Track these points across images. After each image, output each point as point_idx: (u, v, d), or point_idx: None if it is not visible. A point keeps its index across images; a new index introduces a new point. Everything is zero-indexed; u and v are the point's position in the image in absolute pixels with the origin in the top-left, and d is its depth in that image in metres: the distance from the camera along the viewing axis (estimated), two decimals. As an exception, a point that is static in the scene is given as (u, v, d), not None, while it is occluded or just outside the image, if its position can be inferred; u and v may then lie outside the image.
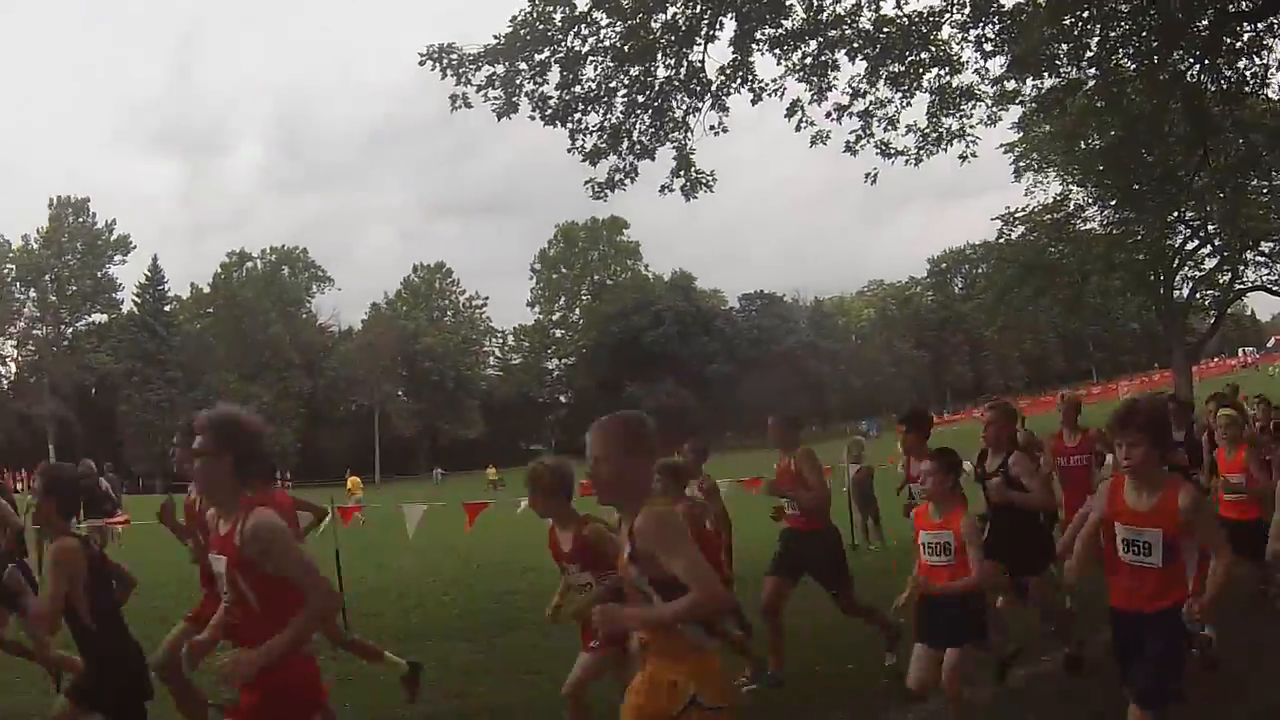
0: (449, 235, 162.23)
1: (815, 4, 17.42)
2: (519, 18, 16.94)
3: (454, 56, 17.15)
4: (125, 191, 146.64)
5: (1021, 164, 46.81)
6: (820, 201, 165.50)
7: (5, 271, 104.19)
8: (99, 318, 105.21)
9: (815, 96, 18.36)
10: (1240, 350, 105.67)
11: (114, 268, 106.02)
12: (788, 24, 17.60)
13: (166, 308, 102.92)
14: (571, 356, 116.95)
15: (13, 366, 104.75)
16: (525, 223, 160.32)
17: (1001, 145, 45.33)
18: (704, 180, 19.02)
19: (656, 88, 18.02)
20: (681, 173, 18.93)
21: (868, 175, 19.67)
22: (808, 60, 18.03)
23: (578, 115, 18.12)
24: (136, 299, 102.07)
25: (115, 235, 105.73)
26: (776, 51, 17.84)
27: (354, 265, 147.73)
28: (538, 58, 17.31)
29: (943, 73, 18.31)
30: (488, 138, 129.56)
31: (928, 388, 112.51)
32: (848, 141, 18.93)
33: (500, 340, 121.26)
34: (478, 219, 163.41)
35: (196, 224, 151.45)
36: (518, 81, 17.42)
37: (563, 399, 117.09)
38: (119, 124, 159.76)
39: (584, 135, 18.39)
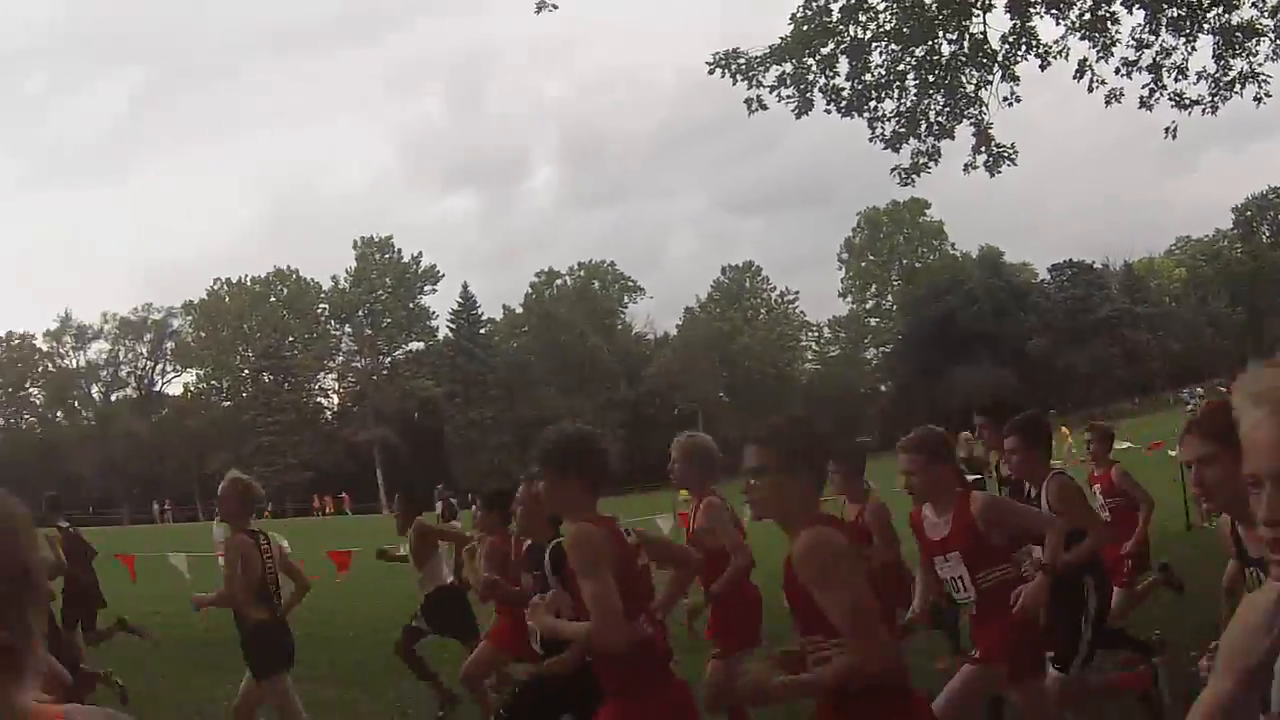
0: (751, 232, 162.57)
1: None
2: (798, 14, 17.17)
3: (741, 61, 17.44)
4: (427, 226, 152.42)
5: None
6: (1115, 159, 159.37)
7: (319, 310, 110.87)
8: (416, 346, 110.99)
9: (1100, 53, 18.01)
10: None
11: (425, 298, 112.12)
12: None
13: (482, 330, 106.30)
14: (889, 345, 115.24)
15: (335, 398, 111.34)
16: (825, 213, 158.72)
17: None
18: (1006, 154, 18.80)
19: (944, 65, 17.93)
20: (982, 149, 18.76)
21: (1167, 130, 19.10)
22: (1085, 16, 17.70)
23: (872, 103, 18.15)
24: (451, 325, 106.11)
25: (423, 267, 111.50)
26: (1053, 12, 17.59)
27: (662, 272, 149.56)
28: (823, 51, 17.47)
29: (1222, 11, 17.60)
30: (776, 132, 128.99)
31: (1249, 349, 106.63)
32: (1141, 97, 18.39)
33: (815, 334, 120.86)
34: (777, 213, 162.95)
35: (501, 248, 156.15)
36: (808, 77, 17.61)
37: (883, 389, 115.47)
38: (413, 162, 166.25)
39: (881, 123, 18.40)
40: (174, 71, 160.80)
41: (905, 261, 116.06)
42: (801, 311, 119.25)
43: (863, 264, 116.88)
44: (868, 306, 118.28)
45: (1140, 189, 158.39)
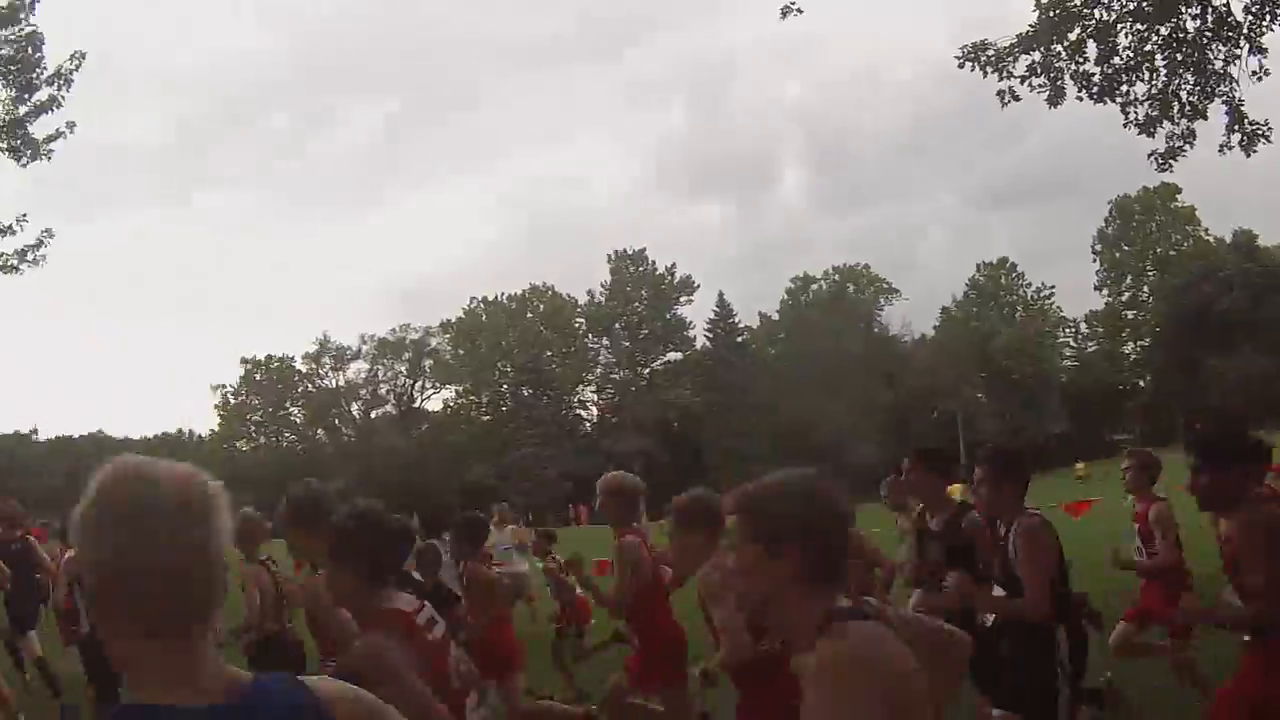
0: (1001, 226, 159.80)
1: None
2: (1044, 1, 17.37)
3: (990, 52, 17.65)
4: (680, 236, 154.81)
5: None
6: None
7: (576, 324, 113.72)
8: (674, 356, 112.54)
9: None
10: None
11: (681, 308, 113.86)
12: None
13: (739, 339, 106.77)
14: (1146, 338, 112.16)
15: (594, 410, 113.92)
16: (1073, 204, 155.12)
17: None
18: (1261, 131, 18.30)
19: (1190, 41, 17.66)
20: (1236, 128, 18.24)
21: None
22: None
23: (1123, 87, 18.08)
24: (708, 334, 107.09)
25: (678, 278, 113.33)
26: (1298, -26, 16.94)
27: (916, 272, 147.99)
28: (1070, 37, 17.51)
29: None
30: (1020, 124, 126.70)
31: None
32: None
33: (1072, 329, 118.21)
34: (1025, 206, 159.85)
35: (754, 256, 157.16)
36: (1058, 64, 17.69)
37: (1141, 383, 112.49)
38: (662, 175, 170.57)
39: (1134, 107, 18.26)
40: (422, 98, 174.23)
41: (1159, 250, 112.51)
42: (1058, 307, 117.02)
43: (1116, 255, 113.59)
44: (1124, 299, 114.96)
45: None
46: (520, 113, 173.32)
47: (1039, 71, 17.88)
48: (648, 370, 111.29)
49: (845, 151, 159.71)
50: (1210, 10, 17.53)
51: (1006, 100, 18.12)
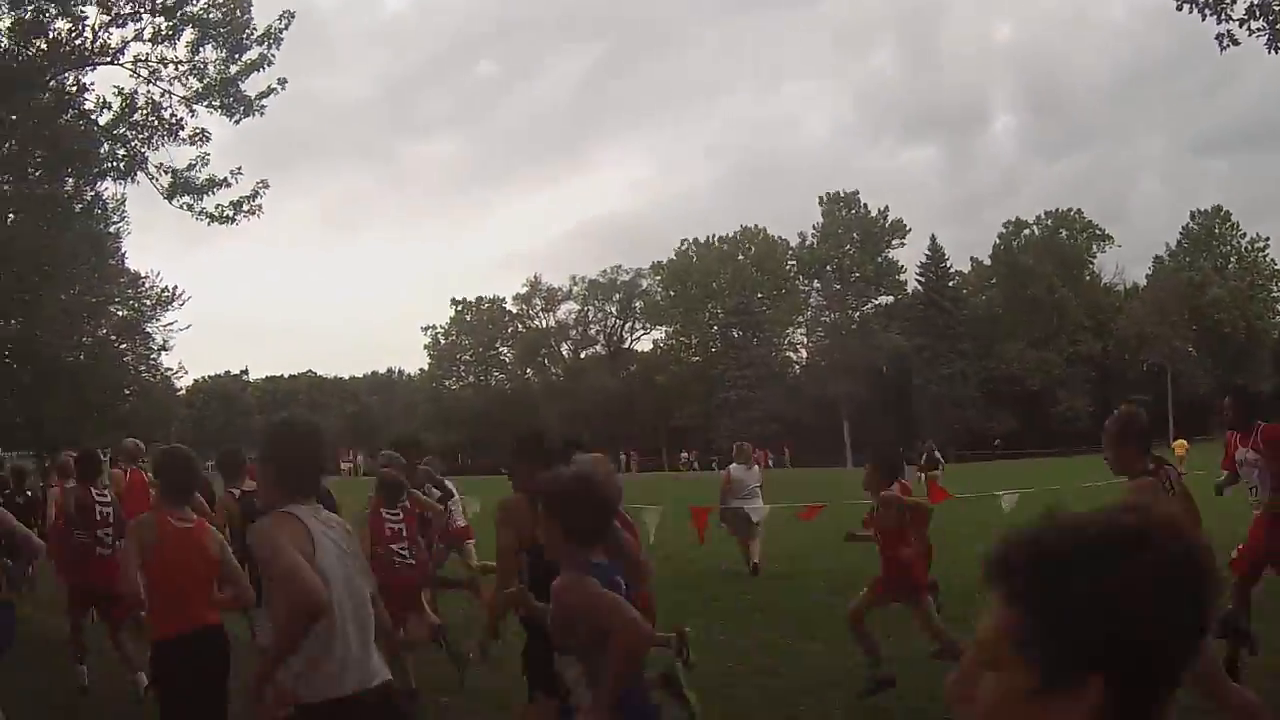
0: (1217, 174, 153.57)
1: None
2: None
3: None
4: (891, 179, 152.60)
5: None
6: None
7: (788, 268, 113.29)
8: (885, 299, 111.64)
9: None
10: None
11: (893, 252, 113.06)
12: None
13: (950, 284, 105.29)
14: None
15: (803, 353, 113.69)
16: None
17: None
18: None
19: None
20: None
21: None
22: None
23: None
24: (920, 278, 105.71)
25: (889, 221, 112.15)
26: None
27: (1129, 219, 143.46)
28: None
29: None
30: (1236, 67, 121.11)
31: None
32: None
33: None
34: (1241, 153, 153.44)
35: (966, 200, 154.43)
36: (1277, 8, 17.14)
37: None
38: (872, 117, 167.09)
39: None
40: (628, 44, 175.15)
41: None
42: (1273, 260, 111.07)
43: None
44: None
45: None
46: (728, 56, 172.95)
47: (1258, 15, 17.25)
48: (858, 314, 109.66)
49: (1056, 95, 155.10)
50: None
51: (1225, 45, 17.76)
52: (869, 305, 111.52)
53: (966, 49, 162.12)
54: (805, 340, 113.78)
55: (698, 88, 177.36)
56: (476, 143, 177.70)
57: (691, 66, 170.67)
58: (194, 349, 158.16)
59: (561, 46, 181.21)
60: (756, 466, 20.03)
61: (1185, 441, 50.79)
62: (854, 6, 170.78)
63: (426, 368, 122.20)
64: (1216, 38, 17.52)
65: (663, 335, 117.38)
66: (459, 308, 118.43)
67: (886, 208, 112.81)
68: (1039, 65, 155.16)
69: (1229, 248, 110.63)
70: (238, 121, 24.12)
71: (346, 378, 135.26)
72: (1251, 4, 17.11)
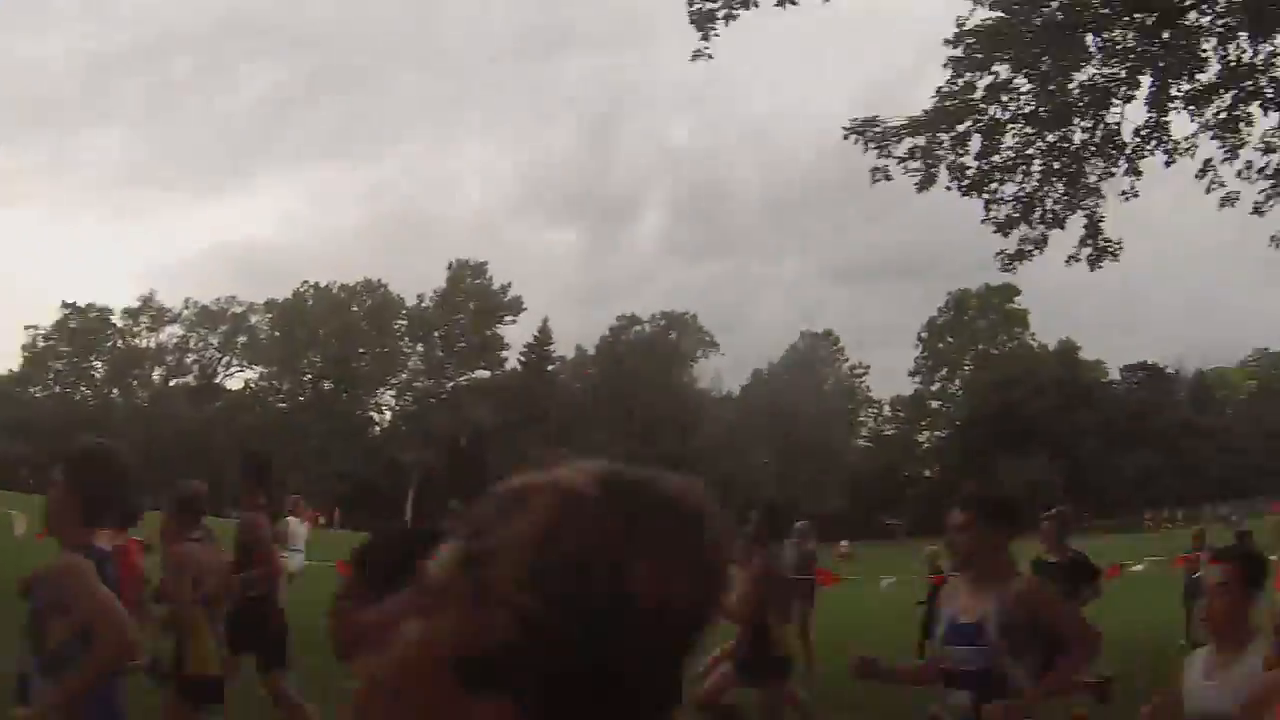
0: (841, 302, 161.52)
1: (1230, 54, 17.18)
2: (944, 89, 17.46)
3: (878, 129, 17.62)
4: (528, 256, 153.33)
5: None
6: (1213, 263, 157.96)
7: (396, 327, 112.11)
8: (483, 374, 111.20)
9: (1227, 154, 18.04)
10: None
11: (504, 328, 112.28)
12: (1202, 78, 17.43)
13: (550, 367, 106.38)
14: (945, 429, 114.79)
15: (388, 415, 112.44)
16: (915, 289, 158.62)
17: None
18: (1110, 249, 18.86)
19: (1072, 153, 18.00)
20: (1089, 241, 18.81)
21: (1274, 238, 18.99)
22: (1220, 115, 17.72)
23: (993, 185, 18.26)
24: (522, 358, 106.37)
25: (509, 297, 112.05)
26: (1190, 108, 17.63)
27: (746, 332, 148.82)
28: (960, 128, 17.63)
29: None
30: (896, 202, 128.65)
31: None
32: (1256, 203, 18.42)
33: (875, 411, 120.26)
34: (872, 284, 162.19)
35: (595, 288, 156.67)
36: (938, 153, 17.73)
37: (928, 473, 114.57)
38: (529, 193, 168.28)
39: (998, 205, 18.52)
40: (317, 75, 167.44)
41: (982, 346, 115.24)
42: (868, 387, 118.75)
43: (940, 345, 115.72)
44: (934, 388, 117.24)
45: (1232, 298, 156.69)
46: (416, 105, 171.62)
47: (917, 156, 17.78)
48: (451, 385, 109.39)
49: (714, 204, 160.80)
50: (1102, 126, 17.90)
51: (878, 178, 18.21)
52: (464, 377, 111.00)
53: (640, 143, 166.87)
54: (394, 403, 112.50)
55: (380, 131, 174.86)
56: (149, 141, 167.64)
57: (368, 107, 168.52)
58: None
59: (252, 60, 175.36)
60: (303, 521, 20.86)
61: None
62: (554, 76, 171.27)
63: (17, 369, 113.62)
64: (871, 170, 17.93)
65: (256, 375, 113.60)
66: (67, 311, 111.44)
67: (509, 283, 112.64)
68: (706, 170, 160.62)
69: (829, 370, 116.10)
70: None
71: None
72: (914, 145, 17.68)
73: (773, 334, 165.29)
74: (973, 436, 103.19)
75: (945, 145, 17.86)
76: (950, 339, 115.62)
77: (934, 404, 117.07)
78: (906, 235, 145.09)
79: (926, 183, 18.09)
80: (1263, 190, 18.39)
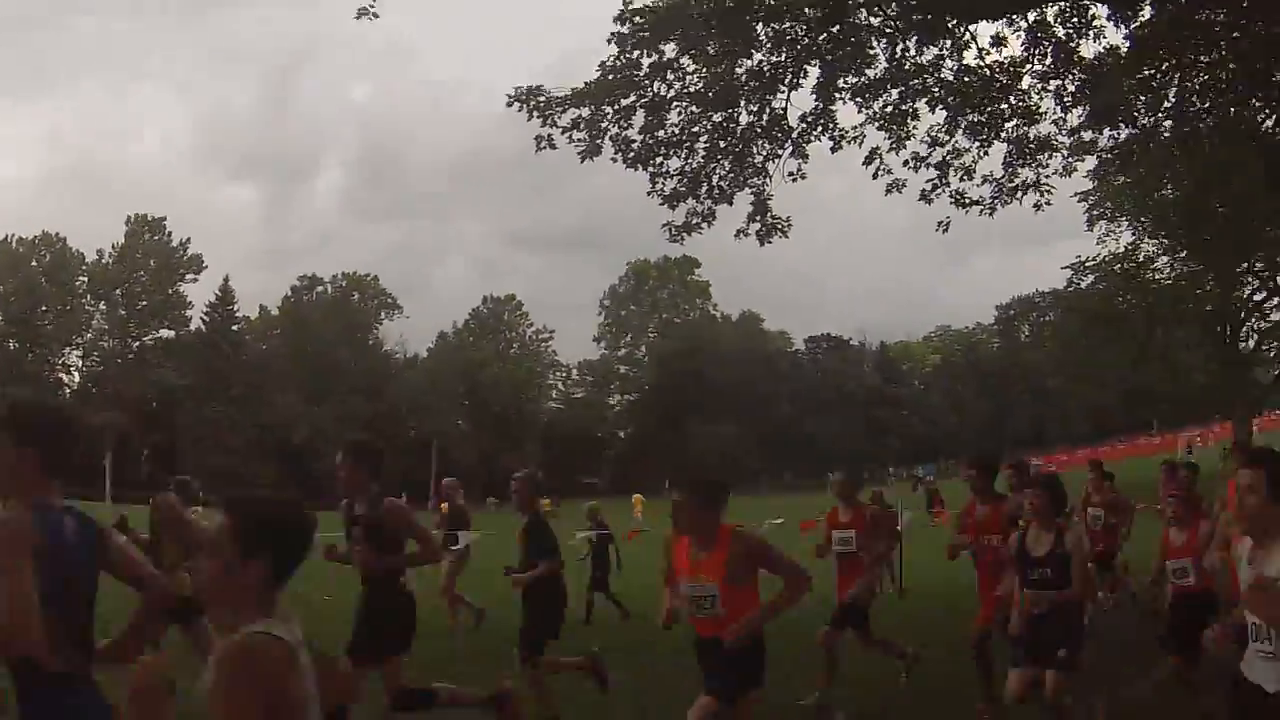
0: (525, 268, 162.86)
1: (898, 53, 17.47)
2: (607, 63, 17.15)
3: (541, 99, 17.31)
4: (205, 213, 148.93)
5: (1094, 213, 45.34)
6: (893, 246, 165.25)
7: (78, 284, 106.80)
8: (167, 334, 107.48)
9: (894, 145, 18.47)
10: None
11: (185, 286, 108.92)
12: (870, 73, 17.66)
13: (234, 327, 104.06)
14: (634, 394, 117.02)
15: (76, 376, 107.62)
16: (602, 258, 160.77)
17: (1076, 194, 44.03)
18: (779, 225, 19.00)
19: (738, 134, 18.05)
20: (758, 218, 18.93)
21: (940, 224, 19.94)
22: (888, 109, 18.11)
23: (659, 159, 18.19)
24: (205, 318, 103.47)
25: (189, 254, 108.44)
26: (858, 100, 17.89)
27: (428, 295, 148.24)
28: (623, 102, 17.45)
29: (1021, 123, 18.33)
30: (572, 173, 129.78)
31: (990, 436, 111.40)
32: (923, 190, 18.98)
33: (564, 374, 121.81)
34: (555, 253, 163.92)
35: (275, 247, 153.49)
36: (602, 125, 17.54)
37: (621, 435, 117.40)
38: (207, 146, 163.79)
39: (664, 179, 18.46)
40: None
41: (665, 315, 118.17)
42: (554, 351, 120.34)
43: (623, 313, 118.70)
44: (620, 354, 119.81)
45: (912, 278, 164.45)
46: (87, 50, 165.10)
47: (581, 127, 17.56)
48: (138, 344, 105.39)
49: (395, 166, 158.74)
50: (768, 110, 17.92)
51: (543, 146, 17.78)
52: (149, 337, 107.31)
53: (322, 102, 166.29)
54: (81, 363, 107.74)
55: (56, 76, 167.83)
56: None
57: (61, 49, 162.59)
58: None
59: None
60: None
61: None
62: (234, 30, 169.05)
63: None
64: (536, 138, 17.54)
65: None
66: None
67: (188, 240, 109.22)
68: (387, 133, 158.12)
69: (514, 334, 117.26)
70: None
71: None
72: (578, 116, 17.35)
73: (456, 298, 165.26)
74: (662, 401, 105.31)
75: (609, 118, 17.60)
76: (633, 307, 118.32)
77: (621, 369, 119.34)
78: (588, 206, 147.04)
79: (591, 153, 17.75)
80: (929, 180, 18.91)
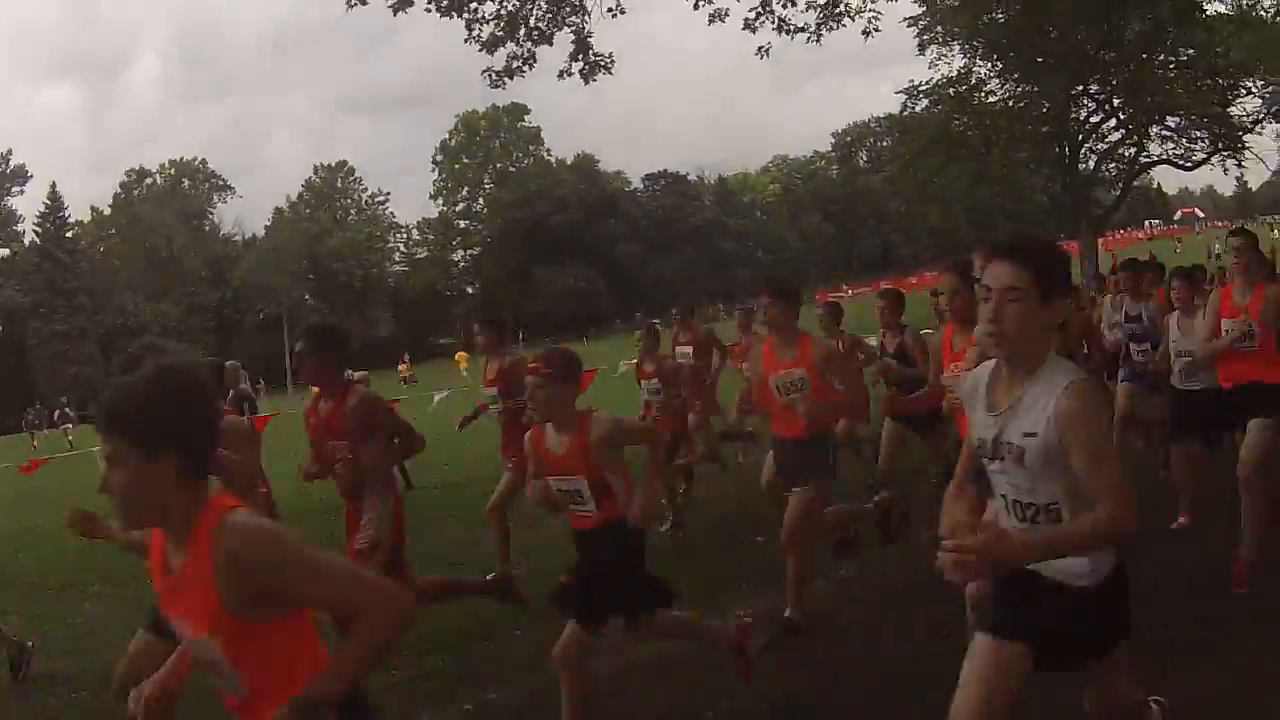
0: (355, 134, 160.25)
1: None
2: None
3: None
4: (23, 122, 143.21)
5: (925, 37, 44.70)
6: (722, 79, 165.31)
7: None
8: (2, 252, 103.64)
9: (713, -27, 18.04)
10: (1146, 223, 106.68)
11: (12, 200, 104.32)
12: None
13: (69, 234, 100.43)
14: (477, 247, 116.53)
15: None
16: (433, 116, 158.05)
17: (905, 19, 43.52)
18: (602, 63, 19.07)
19: None
20: (580, 57, 18.95)
21: (760, 50, 19.78)
22: None
23: (473, 4, 18.06)
24: (37, 229, 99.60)
25: (11, 166, 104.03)
26: (674, -72, 17.45)
27: (261, 172, 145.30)
28: None
29: None
30: (392, 32, 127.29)
31: (836, 261, 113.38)
32: (746, 19, 19.04)
33: (405, 235, 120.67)
34: (383, 116, 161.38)
35: (100, 147, 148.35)
36: None
37: (470, 290, 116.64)
38: (19, 53, 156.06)
39: (480, 24, 18.35)
40: None
41: (499, 165, 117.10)
42: (392, 213, 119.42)
43: (456, 166, 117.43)
44: (458, 209, 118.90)
45: (744, 110, 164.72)
46: None
47: None
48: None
49: (212, 45, 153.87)
50: None
51: (353, 4, 17.62)
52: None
53: None
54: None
55: None
56: None
57: None
58: None
59: None
60: None
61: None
62: None
63: None
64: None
65: None
66: None
67: (10, 151, 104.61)
68: (199, 11, 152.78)
69: (350, 201, 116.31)
70: None
71: None
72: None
73: (291, 173, 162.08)
74: (506, 252, 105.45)
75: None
76: (466, 159, 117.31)
77: (461, 224, 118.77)
78: (413, 64, 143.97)
79: (403, 5, 17.69)
80: (752, 9, 19.01)
